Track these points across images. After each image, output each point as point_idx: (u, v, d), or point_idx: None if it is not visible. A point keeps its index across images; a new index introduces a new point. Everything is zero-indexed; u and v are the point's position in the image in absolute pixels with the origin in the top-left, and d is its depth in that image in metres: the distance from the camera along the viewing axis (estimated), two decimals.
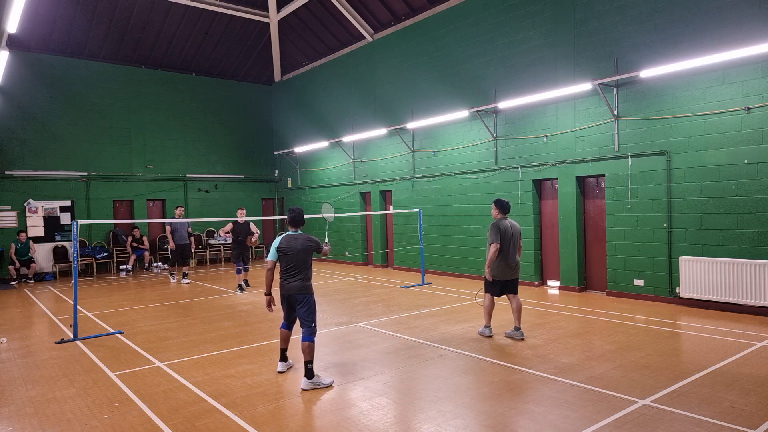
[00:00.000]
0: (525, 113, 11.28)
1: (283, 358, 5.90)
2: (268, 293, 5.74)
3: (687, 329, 7.39)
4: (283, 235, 5.69)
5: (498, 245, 6.87)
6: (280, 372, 5.83)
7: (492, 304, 7.21)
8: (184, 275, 13.44)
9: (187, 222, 13.36)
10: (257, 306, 9.92)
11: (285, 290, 5.61)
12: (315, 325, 5.60)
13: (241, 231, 11.74)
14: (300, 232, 5.77)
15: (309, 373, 5.34)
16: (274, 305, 5.81)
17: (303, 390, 5.27)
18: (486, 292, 7.22)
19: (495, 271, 7.02)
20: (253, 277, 12.97)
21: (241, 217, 11.85)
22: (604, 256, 10.15)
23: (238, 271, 11.72)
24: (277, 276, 5.72)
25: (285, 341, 5.86)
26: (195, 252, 17.96)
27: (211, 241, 18.36)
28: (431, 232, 13.48)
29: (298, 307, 5.58)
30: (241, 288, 11.58)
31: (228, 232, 11.97)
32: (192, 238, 13.64)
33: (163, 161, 17.82)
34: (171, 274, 13.69)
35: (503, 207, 7.15)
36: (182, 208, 13.57)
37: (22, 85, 15.30)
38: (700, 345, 6.53)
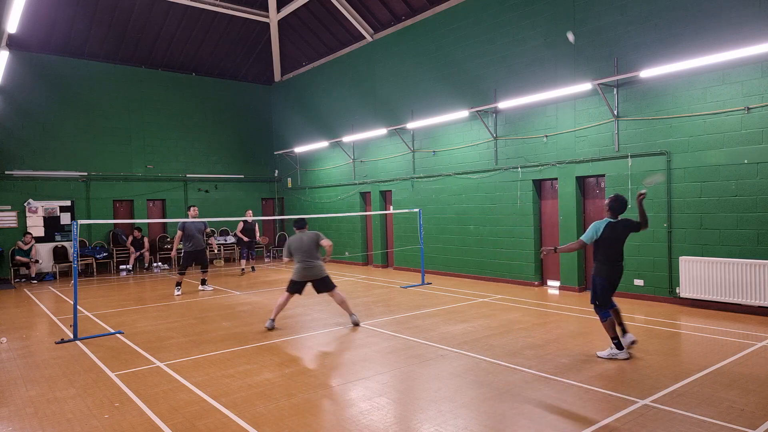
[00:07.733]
0: (525, 113, 11.28)
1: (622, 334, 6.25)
2: (557, 251, 6.34)
3: (687, 329, 7.39)
4: (606, 222, 6.11)
5: None
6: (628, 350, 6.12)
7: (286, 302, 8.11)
8: (203, 282, 12.01)
9: (203, 222, 11.77)
10: (257, 306, 9.93)
11: (618, 273, 6.16)
12: None
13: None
14: (619, 219, 6.16)
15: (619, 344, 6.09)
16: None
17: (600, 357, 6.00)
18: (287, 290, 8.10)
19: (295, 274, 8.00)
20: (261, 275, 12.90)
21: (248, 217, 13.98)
22: None
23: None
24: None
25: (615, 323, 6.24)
26: None
27: (211, 240, 18.31)
28: (431, 232, 13.48)
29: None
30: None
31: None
32: (212, 240, 14.42)
33: (163, 161, 17.82)
34: (177, 285, 11.45)
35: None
36: (196, 208, 12.27)
37: (22, 85, 15.30)
38: (700, 345, 6.53)
